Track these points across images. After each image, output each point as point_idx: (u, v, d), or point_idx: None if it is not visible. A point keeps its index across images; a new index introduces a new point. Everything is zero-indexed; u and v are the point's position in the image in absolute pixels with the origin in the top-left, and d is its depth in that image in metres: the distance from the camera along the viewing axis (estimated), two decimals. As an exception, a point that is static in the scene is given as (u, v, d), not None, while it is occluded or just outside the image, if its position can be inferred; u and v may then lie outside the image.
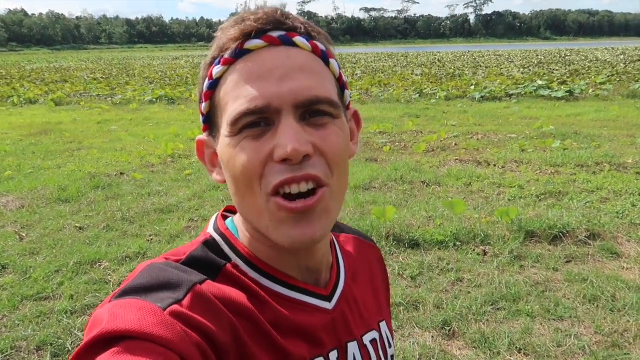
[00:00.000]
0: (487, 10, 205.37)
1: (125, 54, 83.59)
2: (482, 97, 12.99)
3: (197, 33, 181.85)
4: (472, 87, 14.72)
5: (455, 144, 7.48)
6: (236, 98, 0.56)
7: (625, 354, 2.35)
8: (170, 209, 4.68)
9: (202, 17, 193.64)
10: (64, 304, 2.90)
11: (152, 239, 3.93)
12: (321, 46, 0.60)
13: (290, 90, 0.55)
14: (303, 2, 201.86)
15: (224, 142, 0.58)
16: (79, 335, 2.60)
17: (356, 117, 0.69)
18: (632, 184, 4.99)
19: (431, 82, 16.81)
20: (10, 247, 3.85)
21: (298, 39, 0.58)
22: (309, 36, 0.60)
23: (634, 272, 3.13)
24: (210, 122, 0.63)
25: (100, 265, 3.43)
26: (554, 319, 2.67)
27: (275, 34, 0.57)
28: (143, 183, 5.57)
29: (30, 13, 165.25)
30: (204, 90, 0.61)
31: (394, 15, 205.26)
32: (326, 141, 0.56)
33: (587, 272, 3.15)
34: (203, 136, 0.65)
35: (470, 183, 5.27)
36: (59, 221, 4.39)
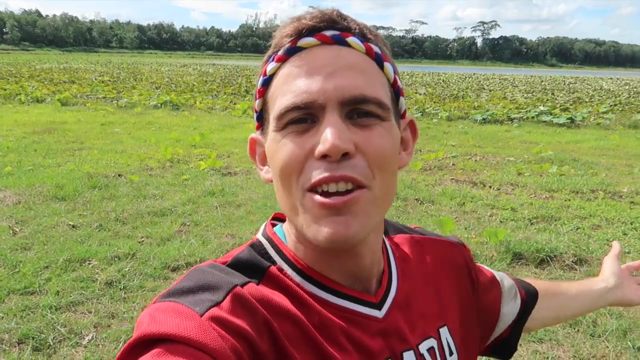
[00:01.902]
0: (495, 34, 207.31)
1: (134, 58, 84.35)
2: (483, 119, 13.07)
3: (206, 42, 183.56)
4: (475, 109, 14.83)
5: (453, 164, 7.51)
6: (284, 93, 0.56)
7: (600, 379, 2.36)
8: (164, 212, 4.70)
9: (212, 27, 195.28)
10: (50, 299, 2.92)
11: (143, 241, 3.96)
12: (376, 48, 0.59)
13: (336, 87, 0.54)
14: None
15: (270, 137, 0.59)
16: (61, 331, 2.61)
17: (412, 126, 0.68)
18: (625, 212, 5.01)
19: (434, 102, 16.90)
20: (2, 241, 3.87)
21: (351, 39, 0.58)
22: (363, 37, 0.59)
23: None
24: (262, 119, 0.63)
25: (89, 264, 3.45)
26: (534, 341, 2.68)
27: (329, 33, 0.57)
28: (140, 185, 5.61)
29: (44, 14, 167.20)
30: (258, 87, 0.62)
31: (401, 34, 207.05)
32: (369, 141, 0.55)
33: None
34: (256, 134, 0.66)
35: (464, 203, 5.30)
36: (53, 218, 4.42)
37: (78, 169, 6.26)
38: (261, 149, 0.64)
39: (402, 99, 0.63)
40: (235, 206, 5.01)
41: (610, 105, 17.08)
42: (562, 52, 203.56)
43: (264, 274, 0.60)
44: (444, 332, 0.71)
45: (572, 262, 3.61)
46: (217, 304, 0.52)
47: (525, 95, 21.69)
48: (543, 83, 35.23)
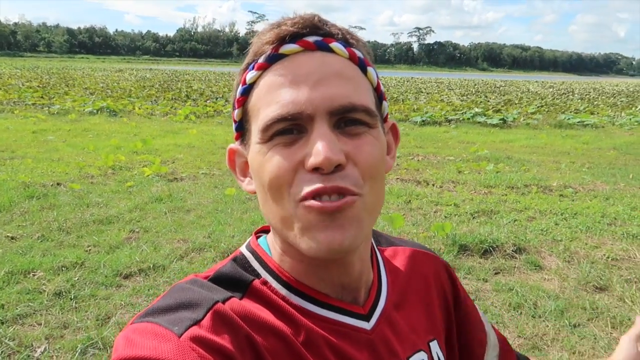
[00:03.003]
0: (430, 39, 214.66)
1: (64, 63, 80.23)
2: (423, 121, 13.54)
3: (142, 46, 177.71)
4: (414, 112, 15.34)
5: (397, 164, 7.75)
6: (268, 104, 0.54)
7: (543, 355, 2.56)
8: (110, 220, 4.55)
9: (148, 31, 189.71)
10: (-6, 313, 2.77)
11: (90, 250, 3.81)
12: (359, 53, 0.58)
13: (324, 97, 0.53)
14: (252, 22, 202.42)
15: (254, 149, 0.57)
16: (10, 344, 2.47)
17: (394, 130, 0.66)
18: (556, 204, 5.38)
19: (375, 105, 17.31)
20: None
21: (335, 45, 0.56)
22: (346, 43, 0.58)
23: (553, 283, 3.40)
24: (243, 129, 0.61)
25: (34, 275, 3.28)
26: (482, 324, 2.85)
27: (311, 39, 0.56)
28: (81, 194, 5.39)
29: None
30: (237, 96, 0.60)
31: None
32: (360, 150, 0.54)
33: (512, 282, 3.38)
34: (235, 145, 0.64)
35: (410, 200, 5.50)
36: (-13, 231, 4.17)
37: (11, 178, 5.92)
38: (241, 160, 0.63)
39: (385, 103, 0.63)
40: (185, 211, 4.93)
41: (538, 107, 18.20)
42: (492, 57, 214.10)
43: (247, 288, 0.58)
44: (434, 346, 0.70)
45: (513, 251, 3.86)
46: (197, 322, 0.50)
47: (460, 97, 22.64)
48: (476, 86, 36.90)
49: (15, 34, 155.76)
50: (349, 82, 0.55)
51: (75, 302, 2.95)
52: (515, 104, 19.81)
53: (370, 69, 0.59)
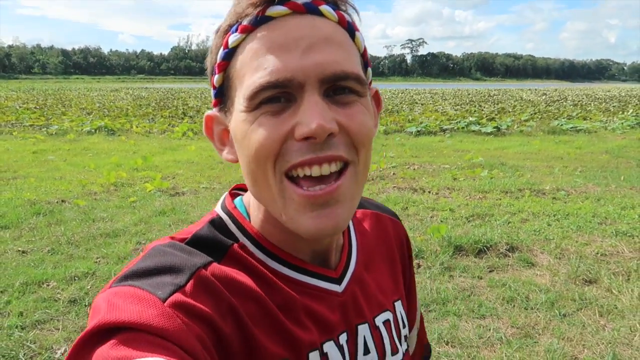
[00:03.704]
0: (423, 51, 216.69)
1: (59, 84, 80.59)
2: (418, 131, 13.70)
3: (137, 65, 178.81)
4: (409, 122, 15.55)
5: (394, 174, 7.90)
6: (255, 69, 0.52)
7: (534, 342, 2.72)
8: (117, 233, 4.70)
9: (142, 50, 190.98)
10: (14, 320, 2.91)
11: (99, 261, 3.96)
12: (347, 17, 0.56)
13: (316, 64, 0.51)
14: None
15: (238, 118, 0.54)
16: (32, 347, 2.62)
17: (377, 97, 0.65)
18: (548, 207, 5.54)
19: (371, 117, 17.50)
20: (-54, 272, 3.74)
21: (324, 8, 0.53)
22: (335, 5, 0.55)
23: (545, 278, 3.56)
24: (223, 95, 0.58)
25: (47, 285, 3.43)
26: (477, 317, 3.01)
27: (300, 1, 0.53)
28: (86, 209, 5.53)
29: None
30: (218, 61, 0.56)
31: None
32: (352, 119, 0.53)
33: (506, 278, 3.54)
34: (213, 111, 0.61)
35: (407, 207, 5.65)
36: (-1, 247, 4.31)
37: (17, 197, 6.05)
38: (220, 127, 0.61)
39: (369, 70, 0.61)
40: (189, 223, 5.06)
41: (531, 114, 18.43)
42: (485, 67, 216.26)
43: (226, 252, 0.57)
44: (399, 305, 0.72)
45: (506, 249, 4.02)
46: (180, 287, 0.50)
47: (454, 107, 22.87)
48: (470, 95, 37.23)
49: (10, 57, 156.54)
50: (340, 48, 0.53)
51: (90, 309, 3.08)
52: (509, 112, 20.02)
53: (358, 34, 0.57)
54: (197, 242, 0.57)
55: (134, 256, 4.08)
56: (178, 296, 0.49)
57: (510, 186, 6.59)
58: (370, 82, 0.62)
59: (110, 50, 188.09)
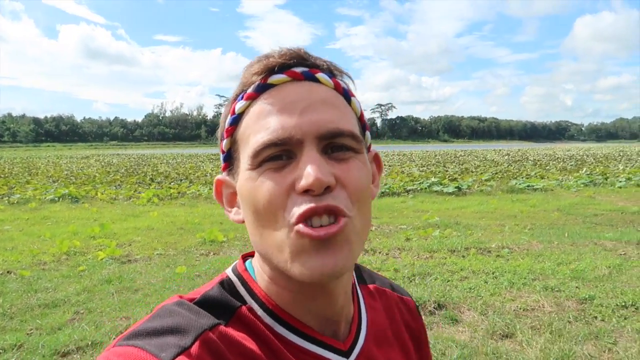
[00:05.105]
0: (392, 115, 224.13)
1: (29, 152, 79.82)
2: (382, 192, 13.99)
3: (110, 132, 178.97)
4: (373, 184, 15.88)
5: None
6: (257, 130, 0.56)
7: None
8: (56, 303, 4.64)
9: (116, 117, 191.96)
10: None
11: (32, 332, 3.90)
12: (343, 84, 0.61)
13: (312, 122, 0.55)
14: (219, 105, 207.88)
15: (244, 176, 0.58)
16: None
17: (377, 159, 0.68)
18: (490, 264, 5.73)
19: (336, 179, 17.81)
20: None
21: (320, 75, 0.59)
22: (331, 73, 0.61)
23: (465, 334, 3.67)
24: (231, 158, 0.62)
25: (-30, 359, 3.36)
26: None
27: (298, 70, 0.58)
28: (31, 280, 5.46)
29: None
30: (226, 126, 0.61)
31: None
32: (348, 174, 0.55)
33: (429, 336, 3.61)
34: (222, 175, 0.64)
35: (354, 268, 5.74)
36: None
37: (-39, 269, 5.94)
38: (228, 191, 0.63)
39: (367, 133, 0.65)
40: (133, 291, 5.05)
41: (492, 174, 19.08)
42: (452, 129, 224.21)
43: (233, 314, 0.58)
44: None
45: (433, 307, 4.15)
46: (185, 349, 0.50)
47: (420, 168, 23.51)
48: (437, 157, 38.34)
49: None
50: (335, 109, 0.57)
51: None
52: (472, 172, 20.65)
53: (354, 99, 0.62)
54: (205, 302, 0.58)
55: (70, 326, 4.06)
56: (182, 359, 0.49)
57: (458, 245, 6.78)
58: (370, 146, 0.67)
59: (84, 117, 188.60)
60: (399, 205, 11.80)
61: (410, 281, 5.14)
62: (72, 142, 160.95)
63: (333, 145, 0.56)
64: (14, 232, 8.74)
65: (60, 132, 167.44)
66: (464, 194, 13.86)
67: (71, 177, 20.26)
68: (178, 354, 0.49)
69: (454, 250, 6.58)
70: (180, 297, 0.58)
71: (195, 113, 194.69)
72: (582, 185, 15.14)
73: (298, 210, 0.53)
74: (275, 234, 0.55)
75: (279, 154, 0.55)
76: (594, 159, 29.37)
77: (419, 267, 5.71)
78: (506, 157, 35.36)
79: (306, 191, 0.53)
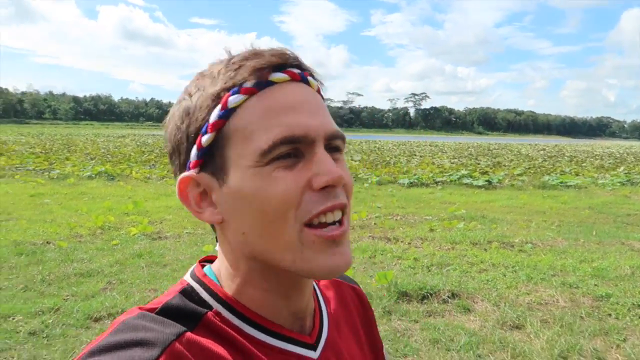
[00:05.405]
0: (426, 105, 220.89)
1: (69, 129, 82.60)
2: (410, 183, 13.91)
3: (146, 113, 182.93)
4: (403, 174, 15.87)
5: (375, 223, 8.08)
6: (268, 127, 0.55)
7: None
8: (91, 273, 4.94)
9: (152, 98, 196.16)
10: (-26, 348, 3.14)
11: (68, 298, 4.20)
12: (321, 87, 0.64)
13: (321, 123, 0.57)
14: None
15: (246, 175, 0.56)
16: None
17: None
18: (511, 258, 5.74)
19: (367, 168, 17.83)
20: None
21: (310, 78, 0.61)
22: (312, 76, 0.62)
23: (475, 323, 3.76)
24: (212, 155, 0.58)
25: (13, 319, 3.68)
26: (400, 356, 3.22)
27: (296, 70, 0.59)
28: (68, 251, 5.79)
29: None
30: (212, 120, 0.57)
31: (339, 105, 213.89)
32: (345, 172, 0.58)
33: (439, 323, 3.74)
34: (189, 173, 0.59)
35: (375, 255, 5.86)
36: (-23, 283, 4.56)
37: (4, 237, 6.34)
38: (197, 190, 0.59)
39: None
40: (162, 266, 5.31)
41: (525, 168, 18.70)
42: (487, 121, 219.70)
43: (199, 321, 0.57)
44: None
45: (447, 296, 4.23)
46: None
47: (451, 160, 23.22)
48: (469, 149, 37.75)
49: (22, 102, 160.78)
50: (327, 111, 0.61)
51: (47, 340, 3.35)
52: (505, 166, 20.25)
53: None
54: (168, 311, 0.56)
55: (102, 294, 4.34)
56: None
57: (481, 238, 6.78)
58: None
59: (121, 98, 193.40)
60: (426, 197, 11.74)
61: (429, 270, 5.22)
62: (110, 121, 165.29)
63: (330, 146, 0.59)
64: (54, 206, 9.18)
65: (98, 110, 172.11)
66: (494, 188, 13.62)
67: (107, 155, 20.94)
68: None
69: (476, 243, 6.59)
70: (140, 308, 0.57)
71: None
72: (618, 184, 14.68)
73: (316, 208, 0.55)
74: (282, 233, 0.55)
75: (289, 153, 0.55)
76: (634, 158, 28.41)
77: (439, 257, 5.77)
78: (541, 152, 34.57)
79: (323, 188, 0.55)
